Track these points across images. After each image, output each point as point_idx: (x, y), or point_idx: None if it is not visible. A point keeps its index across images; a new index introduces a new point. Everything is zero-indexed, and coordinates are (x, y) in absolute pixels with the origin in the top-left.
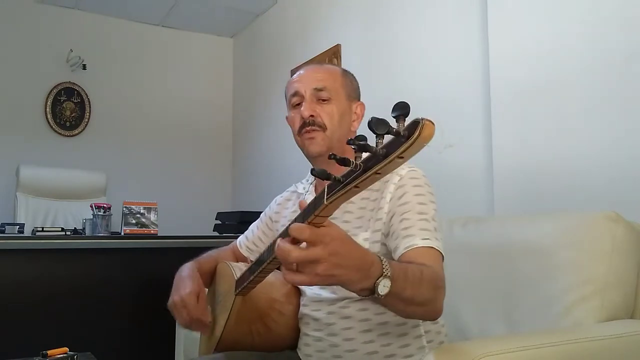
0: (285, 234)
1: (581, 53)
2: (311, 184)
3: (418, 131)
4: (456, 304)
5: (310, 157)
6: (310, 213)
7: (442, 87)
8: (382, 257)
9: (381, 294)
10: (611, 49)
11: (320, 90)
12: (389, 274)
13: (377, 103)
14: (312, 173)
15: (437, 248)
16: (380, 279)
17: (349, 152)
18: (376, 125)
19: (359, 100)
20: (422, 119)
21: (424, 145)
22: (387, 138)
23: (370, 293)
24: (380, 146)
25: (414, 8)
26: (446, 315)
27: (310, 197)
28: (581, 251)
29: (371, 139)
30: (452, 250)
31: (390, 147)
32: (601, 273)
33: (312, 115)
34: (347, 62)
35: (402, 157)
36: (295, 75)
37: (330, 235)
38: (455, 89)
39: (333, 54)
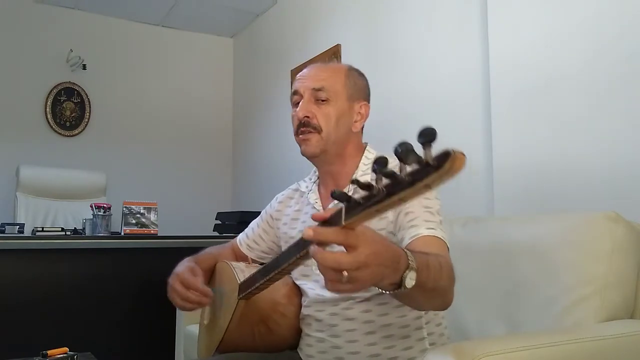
0: (302, 247)
1: (581, 53)
2: (314, 182)
3: (449, 163)
4: (456, 304)
5: (306, 157)
6: None
7: (442, 87)
8: (405, 249)
9: (408, 287)
10: (611, 49)
11: (319, 90)
12: (414, 266)
13: (377, 103)
14: (332, 196)
15: (442, 238)
16: (406, 271)
17: (349, 152)
18: (405, 155)
19: (364, 100)
20: (454, 151)
21: (453, 177)
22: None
23: (396, 287)
24: (405, 173)
25: (414, 8)
26: (446, 315)
27: (313, 196)
28: (581, 251)
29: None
30: (452, 250)
31: (417, 176)
32: (601, 273)
33: (307, 117)
34: (347, 62)
35: (428, 187)
36: (300, 73)
37: (369, 236)
38: (455, 88)
39: (333, 54)
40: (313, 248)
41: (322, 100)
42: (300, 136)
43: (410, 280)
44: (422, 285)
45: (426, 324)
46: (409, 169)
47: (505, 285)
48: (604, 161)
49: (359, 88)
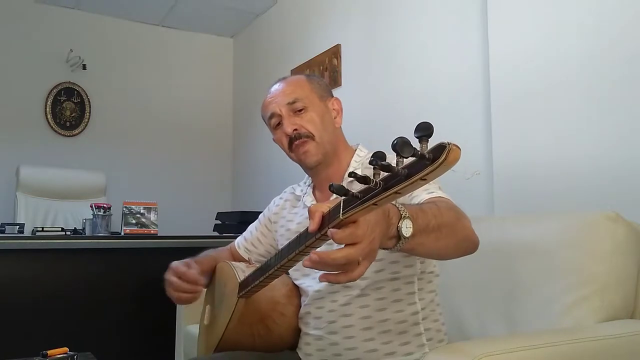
0: (303, 241)
1: (581, 53)
2: (309, 186)
3: (444, 156)
4: (456, 304)
5: (308, 169)
6: (325, 226)
7: (442, 87)
8: (394, 202)
9: (406, 235)
10: (611, 50)
11: (293, 102)
12: (407, 215)
13: (377, 102)
14: (330, 189)
15: (443, 196)
16: (400, 221)
17: (341, 150)
18: (401, 147)
19: (332, 96)
20: (449, 143)
21: (448, 169)
22: (409, 158)
23: (397, 241)
24: (401, 166)
25: (414, 8)
26: (446, 315)
27: (308, 199)
28: (581, 251)
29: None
30: None
31: (413, 169)
32: (601, 273)
33: (295, 129)
34: (347, 62)
35: (424, 179)
36: (265, 98)
37: (367, 220)
38: (455, 88)
39: (333, 54)
40: (332, 252)
41: (300, 110)
42: (298, 151)
43: (406, 228)
44: (424, 229)
45: (423, 320)
46: (405, 162)
47: (505, 285)
48: (604, 161)
49: (323, 87)
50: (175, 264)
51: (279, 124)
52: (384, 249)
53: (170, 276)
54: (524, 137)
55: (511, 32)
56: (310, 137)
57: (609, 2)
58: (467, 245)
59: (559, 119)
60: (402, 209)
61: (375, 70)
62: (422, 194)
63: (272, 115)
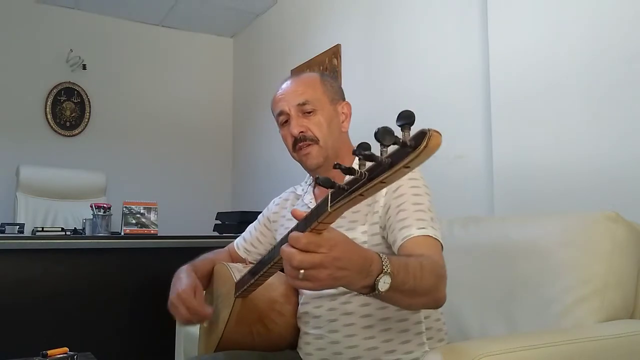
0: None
1: (581, 53)
2: (310, 185)
3: (425, 142)
4: (456, 304)
5: (309, 170)
6: (314, 220)
7: (442, 87)
8: (381, 254)
9: (381, 290)
10: (611, 51)
11: (304, 104)
12: (388, 271)
13: (377, 103)
14: (317, 182)
15: (434, 237)
16: (380, 275)
17: (344, 153)
18: (382, 136)
19: (343, 99)
20: (429, 130)
21: (430, 155)
22: (392, 147)
23: (371, 290)
24: (385, 155)
25: (414, 8)
26: (446, 315)
27: (308, 197)
28: (581, 251)
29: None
30: (452, 250)
31: (396, 157)
32: (601, 273)
33: (301, 132)
34: (347, 62)
35: (408, 167)
36: (277, 93)
37: (333, 240)
38: (455, 89)
39: (333, 54)
40: (284, 246)
41: (309, 112)
42: (300, 152)
43: (384, 284)
44: (398, 287)
45: (425, 319)
46: (389, 151)
47: (505, 285)
48: (604, 161)
49: (336, 90)
50: (182, 288)
51: (287, 121)
52: (356, 292)
53: (178, 305)
54: (524, 137)
55: (511, 32)
56: (315, 141)
57: (609, 2)
58: (431, 306)
59: (559, 119)
60: (386, 264)
61: (375, 70)
62: (413, 225)
63: (281, 113)
